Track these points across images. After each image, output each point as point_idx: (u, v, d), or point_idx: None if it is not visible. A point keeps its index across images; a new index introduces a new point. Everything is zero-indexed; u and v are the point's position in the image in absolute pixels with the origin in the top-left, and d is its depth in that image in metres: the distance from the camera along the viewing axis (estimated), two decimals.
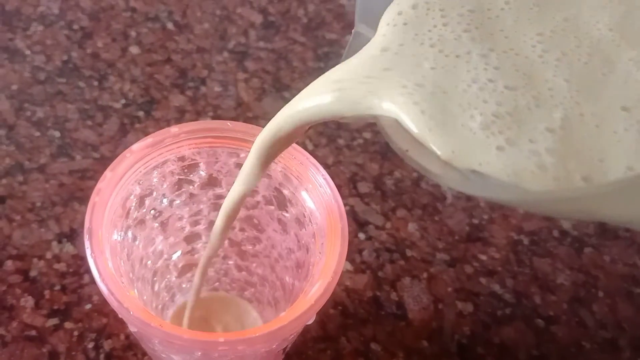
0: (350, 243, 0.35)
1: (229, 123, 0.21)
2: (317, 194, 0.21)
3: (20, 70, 0.39)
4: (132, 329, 0.18)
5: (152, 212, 0.23)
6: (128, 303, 0.17)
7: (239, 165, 0.23)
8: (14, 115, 0.37)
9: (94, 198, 0.19)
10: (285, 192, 0.22)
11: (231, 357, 0.18)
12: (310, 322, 0.19)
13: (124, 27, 0.43)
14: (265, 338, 0.17)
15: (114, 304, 0.17)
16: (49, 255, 0.32)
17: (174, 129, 0.21)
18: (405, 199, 0.37)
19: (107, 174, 0.19)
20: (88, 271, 0.32)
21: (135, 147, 0.20)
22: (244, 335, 0.17)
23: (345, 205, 0.37)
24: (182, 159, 0.22)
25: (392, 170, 0.39)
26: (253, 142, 0.22)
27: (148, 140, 0.20)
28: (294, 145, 0.21)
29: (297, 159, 0.21)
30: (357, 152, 0.39)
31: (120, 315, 0.18)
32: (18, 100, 0.38)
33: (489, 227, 0.37)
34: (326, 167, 0.39)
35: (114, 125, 0.38)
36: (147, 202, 0.22)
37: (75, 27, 0.42)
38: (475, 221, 0.37)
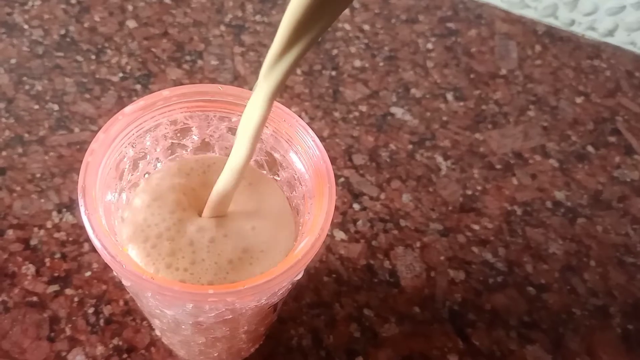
0: (344, 213, 0.35)
1: (219, 87, 0.22)
2: (306, 155, 0.21)
3: (18, 45, 0.40)
4: (125, 283, 0.19)
5: (146, 175, 0.23)
6: (121, 257, 0.17)
7: (231, 130, 0.23)
8: (13, 89, 0.38)
9: (87, 158, 0.19)
10: (276, 155, 0.23)
11: (222, 311, 0.19)
12: (298, 278, 0.19)
13: (121, 1, 0.43)
14: (253, 290, 0.17)
15: (107, 259, 0.17)
16: (49, 224, 0.33)
17: (166, 92, 0.21)
18: (399, 171, 0.38)
19: (100, 135, 0.20)
20: (88, 240, 0.33)
21: (128, 109, 0.21)
22: (233, 288, 0.17)
23: (340, 176, 0.37)
24: (174, 122, 0.22)
25: (387, 143, 0.39)
26: (244, 105, 0.22)
27: (140, 103, 0.21)
28: (283, 107, 0.21)
29: (287, 121, 0.21)
30: (353, 124, 0.39)
31: (114, 271, 0.18)
32: (17, 74, 0.38)
33: (483, 198, 0.37)
34: (322, 139, 0.39)
35: (112, 98, 0.38)
36: (140, 165, 0.22)
37: (73, 1, 0.43)
38: (469, 192, 0.37)
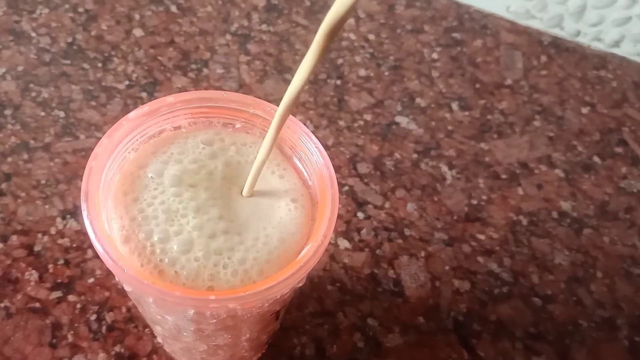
0: (348, 222, 0.35)
1: (224, 93, 0.22)
2: (309, 162, 0.21)
3: (25, 52, 0.40)
4: (127, 288, 0.19)
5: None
6: (122, 262, 0.17)
7: None
8: (20, 96, 0.38)
9: (91, 162, 0.19)
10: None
11: (223, 318, 0.19)
12: (300, 285, 0.19)
13: (128, 10, 0.43)
14: (255, 296, 0.17)
15: (108, 263, 0.17)
16: (53, 230, 0.33)
17: (170, 99, 0.21)
18: (404, 180, 0.38)
19: (104, 140, 0.20)
20: (91, 246, 0.33)
21: (132, 115, 0.21)
22: (235, 294, 0.17)
23: (344, 185, 0.37)
24: (178, 128, 0.22)
25: (392, 152, 0.39)
26: (247, 112, 0.22)
27: (144, 108, 0.21)
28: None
29: (290, 128, 0.21)
30: (358, 133, 0.39)
31: (116, 277, 0.18)
32: (24, 81, 0.39)
33: (488, 208, 0.37)
34: (326, 148, 0.39)
35: (118, 105, 0.38)
36: None
37: (80, 9, 0.43)
38: (474, 202, 0.37)
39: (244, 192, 0.21)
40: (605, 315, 0.34)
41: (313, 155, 0.21)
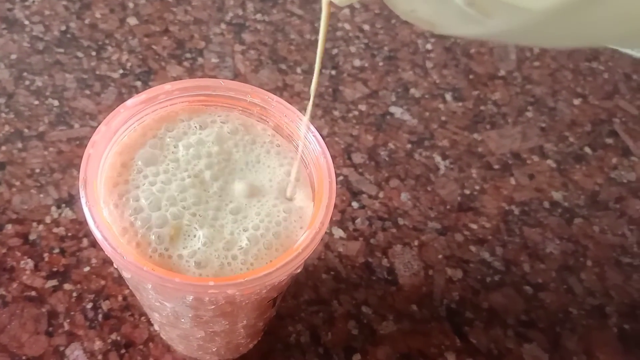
0: (343, 211, 0.36)
1: (221, 81, 0.22)
2: (306, 150, 0.21)
3: (19, 40, 0.40)
4: (125, 275, 0.19)
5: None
6: (121, 248, 0.17)
7: None
8: (13, 84, 0.38)
9: (89, 150, 0.19)
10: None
11: (222, 304, 0.19)
12: (298, 271, 0.19)
13: None
14: (253, 282, 0.18)
15: (107, 250, 0.17)
16: (48, 219, 0.33)
17: (167, 86, 0.21)
18: (398, 170, 0.38)
19: (102, 127, 0.20)
20: (87, 235, 0.33)
21: (130, 102, 0.21)
22: (233, 280, 0.18)
23: (339, 175, 0.37)
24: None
25: (387, 142, 0.39)
26: (245, 100, 0.22)
27: (142, 96, 0.21)
28: (285, 103, 0.22)
29: (288, 117, 0.22)
30: (352, 123, 0.40)
31: (114, 263, 0.18)
32: (17, 69, 0.38)
33: (481, 198, 0.37)
34: (321, 138, 0.39)
35: (112, 94, 0.38)
36: None
37: None
38: (467, 192, 0.38)
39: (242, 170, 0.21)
40: (595, 304, 0.34)
41: (311, 144, 0.21)
